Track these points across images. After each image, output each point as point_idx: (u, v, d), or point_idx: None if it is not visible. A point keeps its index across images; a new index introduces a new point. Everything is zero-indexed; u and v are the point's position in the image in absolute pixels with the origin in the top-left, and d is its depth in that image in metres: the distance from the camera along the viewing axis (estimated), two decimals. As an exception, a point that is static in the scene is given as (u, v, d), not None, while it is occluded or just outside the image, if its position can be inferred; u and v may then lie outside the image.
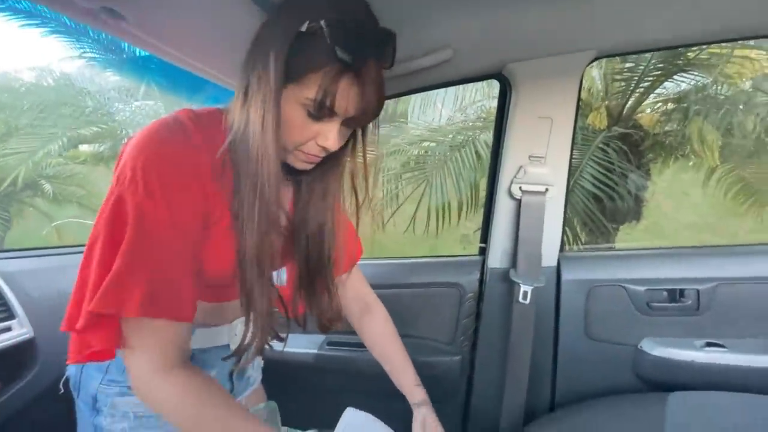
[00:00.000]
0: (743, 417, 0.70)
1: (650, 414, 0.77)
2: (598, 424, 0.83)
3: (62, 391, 0.68)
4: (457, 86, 3.59)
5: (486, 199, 1.04)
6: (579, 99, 0.92)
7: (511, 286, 0.96)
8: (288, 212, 0.69)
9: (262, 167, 0.53)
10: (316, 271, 0.70)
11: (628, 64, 3.33)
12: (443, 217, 3.25)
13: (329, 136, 0.56)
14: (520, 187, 0.92)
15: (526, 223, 0.93)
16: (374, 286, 1.10)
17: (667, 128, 3.65)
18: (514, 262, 0.95)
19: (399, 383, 0.87)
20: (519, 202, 0.94)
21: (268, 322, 0.59)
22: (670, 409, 0.76)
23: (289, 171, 0.63)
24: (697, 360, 0.88)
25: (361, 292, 0.90)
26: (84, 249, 0.53)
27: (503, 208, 0.97)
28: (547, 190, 0.91)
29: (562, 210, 0.97)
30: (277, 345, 0.82)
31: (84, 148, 5.66)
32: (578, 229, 3.17)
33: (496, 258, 1.00)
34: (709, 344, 0.89)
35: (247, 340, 0.60)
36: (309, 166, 0.61)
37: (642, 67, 3.27)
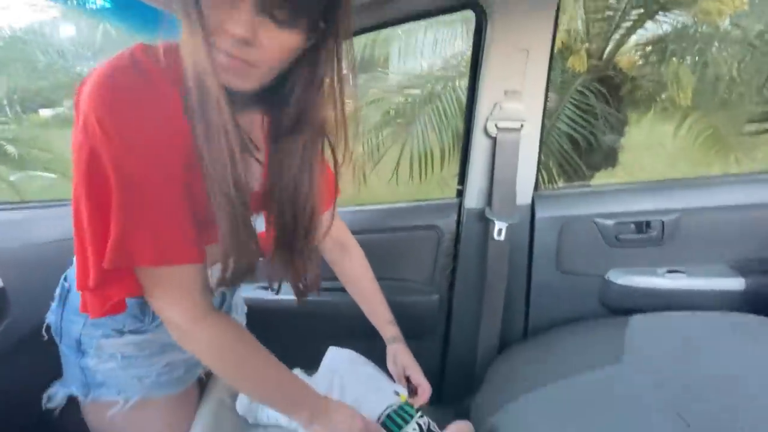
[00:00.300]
0: (694, 331, 0.76)
1: (612, 336, 0.83)
2: (565, 348, 0.89)
3: (45, 338, 0.68)
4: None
5: (463, 139, 1.03)
6: (555, 30, 0.89)
7: (486, 225, 0.98)
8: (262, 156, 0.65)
9: (204, 82, 0.48)
10: (291, 234, 0.66)
11: (610, 0, 3.23)
12: (426, 165, 3.23)
13: (235, 16, 0.46)
14: (495, 124, 0.91)
15: (502, 162, 0.93)
16: (353, 233, 1.11)
17: (646, 71, 3.64)
18: (489, 200, 0.96)
19: (373, 320, 0.90)
20: (494, 140, 0.93)
21: (243, 255, 0.57)
22: (629, 330, 0.82)
23: (252, 101, 0.59)
24: (659, 286, 0.94)
25: (338, 234, 0.90)
26: (43, 203, 0.51)
27: (479, 147, 0.96)
28: (522, 126, 0.90)
29: (537, 147, 0.97)
30: (267, 293, 0.82)
31: (45, 112, 5.32)
32: (555, 173, 3.21)
33: (473, 198, 1.01)
34: (670, 271, 0.95)
35: (222, 273, 0.58)
36: (239, 81, 0.51)
37: (624, 4, 3.19)
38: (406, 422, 0.76)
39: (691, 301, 0.87)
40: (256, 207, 0.71)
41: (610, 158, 3.57)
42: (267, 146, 0.65)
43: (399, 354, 0.87)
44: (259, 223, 0.70)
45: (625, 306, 0.93)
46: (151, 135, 0.50)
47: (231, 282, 0.58)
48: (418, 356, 0.96)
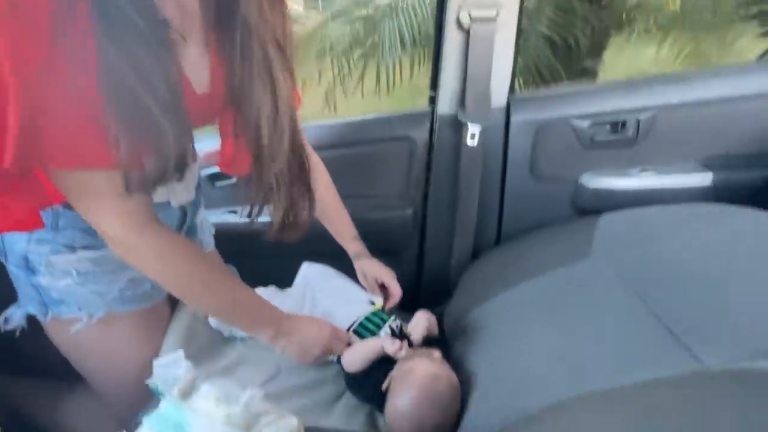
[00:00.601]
0: (659, 223, 0.77)
1: (581, 234, 0.84)
2: (536, 250, 0.91)
3: None
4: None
5: (435, 37, 0.94)
6: None
7: (459, 132, 0.94)
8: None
9: None
10: (259, 149, 0.58)
11: None
12: (396, 76, 3.05)
13: None
14: (469, 13, 0.82)
15: (476, 59, 0.86)
16: (322, 148, 1.05)
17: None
18: (462, 103, 0.91)
19: (338, 239, 0.88)
20: (468, 34, 0.85)
21: (166, 150, 0.49)
22: (598, 227, 0.83)
23: None
24: (631, 187, 0.94)
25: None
26: None
27: (452, 44, 0.88)
28: (498, 14, 0.82)
29: (513, 43, 0.90)
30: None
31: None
32: (532, 80, 3.08)
33: (446, 103, 0.95)
34: (643, 171, 0.95)
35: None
36: None
37: None
38: (380, 327, 0.78)
39: (660, 199, 0.88)
40: (206, 112, 0.65)
41: (589, 72, 3.43)
42: (215, 47, 0.57)
43: (366, 267, 0.86)
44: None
45: (597, 208, 0.94)
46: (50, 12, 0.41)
47: (153, 182, 0.51)
48: (395, 271, 0.97)
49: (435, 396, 0.61)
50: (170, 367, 0.35)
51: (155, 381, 0.34)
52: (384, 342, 0.69)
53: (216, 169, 1.12)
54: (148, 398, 0.66)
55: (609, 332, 0.61)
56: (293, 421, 0.34)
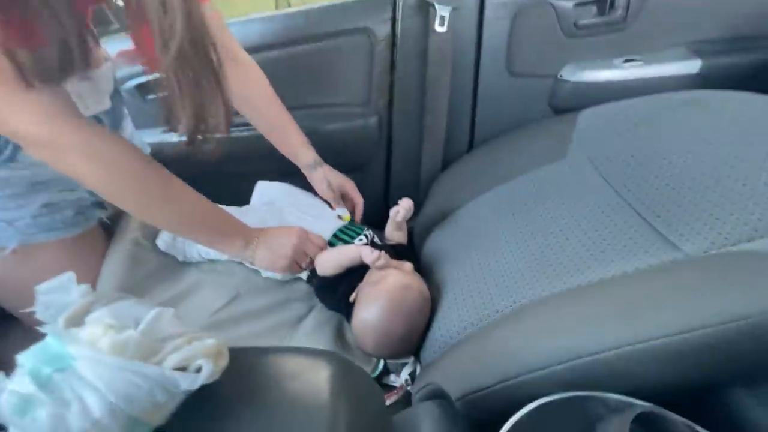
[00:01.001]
0: (643, 113, 0.70)
1: (560, 132, 0.77)
2: (511, 152, 0.84)
3: None
4: None
5: None
6: None
7: (426, 19, 0.81)
8: None
9: None
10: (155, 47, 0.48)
11: None
12: None
13: None
14: None
15: None
16: (264, 48, 0.90)
17: None
18: (429, -21, 0.76)
19: (285, 149, 0.78)
20: None
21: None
22: (578, 123, 0.76)
23: None
24: (614, 78, 0.85)
25: (224, 42, 0.68)
26: None
27: None
28: None
29: None
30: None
31: None
32: None
33: (409, -17, 0.80)
34: (627, 60, 0.85)
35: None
36: None
37: None
38: (353, 240, 0.72)
39: (646, 91, 0.80)
40: None
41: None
42: None
43: (329, 176, 0.78)
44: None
45: (578, 105, 0.85)
46: None
47: (54, 70, 0.45)
48: (360, 188, 0.90)
49: (404, 306, 0.57)
50: (58, 292, 0.28)
51: (38, 309, 0.27)
52: (362, 250, 0.64)
53: (146, 78, 0.96)
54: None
55: (586, 229, 0.57)
56: (209, 342, 0.28)
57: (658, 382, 0.35)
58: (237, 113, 0.79)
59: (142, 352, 0.24)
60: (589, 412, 0.35)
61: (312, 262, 0.67)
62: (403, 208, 0.73)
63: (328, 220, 0.77)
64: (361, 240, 0.72)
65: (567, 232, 0.59)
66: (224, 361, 0.30)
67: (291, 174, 0.82)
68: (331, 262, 0.66)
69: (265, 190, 0.86)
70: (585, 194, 0.64)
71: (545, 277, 0.53)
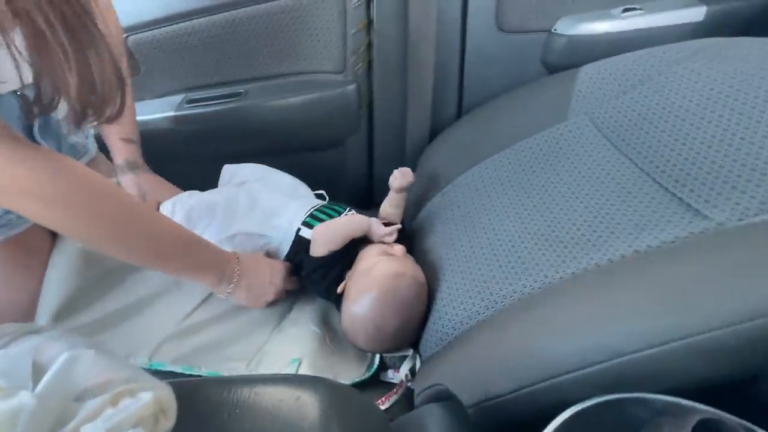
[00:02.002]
0: (648, 67, 0.63)
1: (559, 92, 0.70)
2: (503, 118, 0.76)
3: None
4: None
5: None
6: None
7: (406, -33, 0.71)
8: None
9: None
10: None
11: None
12: None
13: None
14: None
15: None
16: (214, 9, 0.79)
17: None
18: None
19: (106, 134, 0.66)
20: None
21: None
22: (578, 82, 0.69)
23: None
24: (613, 30, 0.78)
25: None
26: None
27: None
28: None
29: None
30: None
31: None
32: None
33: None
34: (626, 10, 0.78)
35: None
36: None
37: None
38: (339, 214, 0.65)
39: (648, 42, 0.73)
40: None
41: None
42: None
43: (144, 185, 0.67)
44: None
45: (574, 63, 0.78)
46: None
47: None
48: (342, 166, 0.81)
49: (398, 296, 0.51)
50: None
51: None
52: (372, 221, 0.58)
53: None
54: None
55: (597, 199, 0.51)
56: (144, 399, 0.21)
57: (704, 378, 0.31)
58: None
59: (41, 424, 0.17)
60: (631, 417, 0.29)
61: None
62: (399, 172, 0.68)
63: (304, 199, 0.69)
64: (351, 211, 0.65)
65: (575, 203, 0.53)
66: (169, 423, 0.22)
67: (265, 154, 0.73)
68: (336, 235, 0.58)
69: (233, 174, 0.77)
70: (591, 161, 0.58)
71: (556, 257, 0.47)
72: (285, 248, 0.63)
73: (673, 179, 0.48)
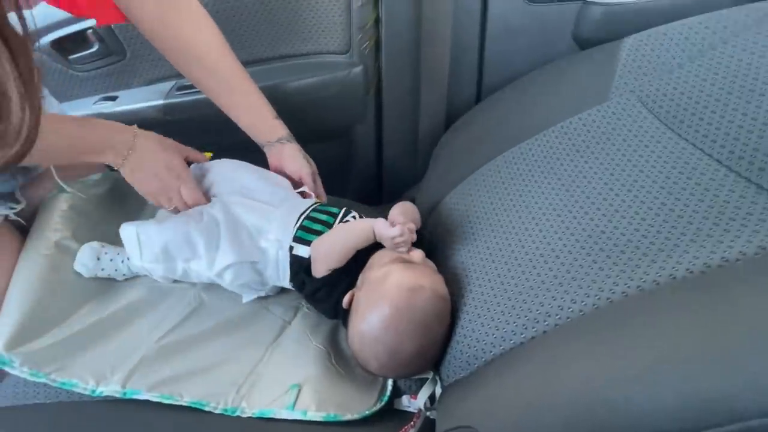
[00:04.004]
0: (703, 37, 0.54)
1: (598, 67, 0.60)
2: (532, 100, 0.67)
3: None
4: None
5: None
6: None
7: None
8: None
9: None
10: None
11: None
12: None
13: None
14: None
15: None
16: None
17: None
18: None
19: (247, 121, 0.61)
20: None
21: None
22: (621, 56, 0.59)
23: None
24: (658, -3, 0.68)
25: None
26: None
27: None
28: None
29: None
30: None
31: None
32: None
33: None
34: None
35: None
36: None
37: None
38: (331, 225, 0.56)
39: (696, 8, 0.63)
40: None
41: None
42: None
43: (296, 155, 0.62)
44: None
45: (611, 36, 0.68)
46: None
47: None
48: (348, 157, 0.73)
49: (415, 315, 0.42)
50: None
51: None
52: (376, 223, 0.48)
53: (67, 30, 0.77)
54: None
55: (658, 194, 0.42)
56: None
57: None
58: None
59: None
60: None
61: (181, 200, 0.56)
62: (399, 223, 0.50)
63: (288, 204, 0.57)
64: (352, 215, 0.56)
65: (628, 199, 0.44)
66: None
67: (243, 149, 0.64)
68: (335, 252, 0.49)
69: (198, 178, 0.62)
70: (643, 147, 0.48)
71: (612, 265, 0.38)
72: (283, 272, 0.53)
73: (757, 167, 0.39)
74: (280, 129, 0.61)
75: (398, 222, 0.48)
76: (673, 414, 0.23)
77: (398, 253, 0.47)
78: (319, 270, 0.49)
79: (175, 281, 0.56)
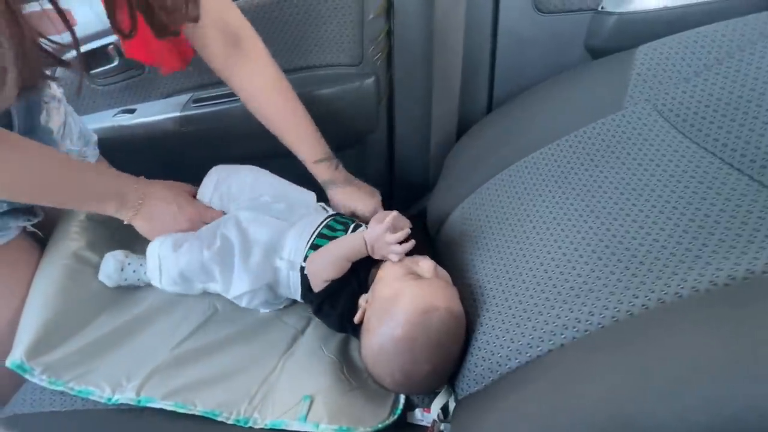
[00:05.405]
0: (719, 45, 0.53)
1: (613, 76, 0.60)
2: (545, 108, 0.67)
3: None
4: None
5: None
6: None
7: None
8: None
9: None
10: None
11: None
12: None
13: None
14: None
15: None
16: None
17: None
18: None
19: (301, 155, 0.64)
20: None
21: None
22: (635, 64, 0.59)
23: None
24: (672, 4, 0.68)
25: (224, 15, 0.57)
26: None
27: None
28: None
29: None
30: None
31: None
32: None
33: None
34: (687, -19, 0.67)
35: None
36: None
37: None
38: (346, 229, 0.56)
39: (713, 17, 0.62)
40: None
41: None
42: None
43: (344, 197, 0.64)
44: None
45: (623, 45, 0.68)
46: None
47: None
48: (359, 168, 0.73)
49: (429, 337, 0.41)
50: None
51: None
52: (365, 233, 0.48)
53: (89, 47, 0.79)
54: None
55: (677, 204, 0.41)
56: None
57: None
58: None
59: None
60: None
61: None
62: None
63: (305, 221, 0.57)
64: (360, 229, 0.56)
65: (645, 208, 0.43)
66: None
67: (275, 155, 0.65)
68: (328, 263, 0.49)
69: (220, 180, 0.62)
70: (660, 156, 0.47)
71: (631, 276, 0.37)
72: (295, 289, 0.54)
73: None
74: (324, 172, 0.63)
75: (379, 221, 0.48)
76: (700, 431, 0.22)
77: (394, 255, 0.46)
78: (316, 284, 0.49)
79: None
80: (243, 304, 0.54)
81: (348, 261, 0.49)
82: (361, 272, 0.50)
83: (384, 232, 0.47)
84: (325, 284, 0.49)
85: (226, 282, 0.52)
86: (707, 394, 0.23)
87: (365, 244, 0.48)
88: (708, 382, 0.24)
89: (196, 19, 0.50)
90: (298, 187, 0.63)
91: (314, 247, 0.53)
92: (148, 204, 0.53)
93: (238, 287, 0.51)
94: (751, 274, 0.31)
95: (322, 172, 0.63)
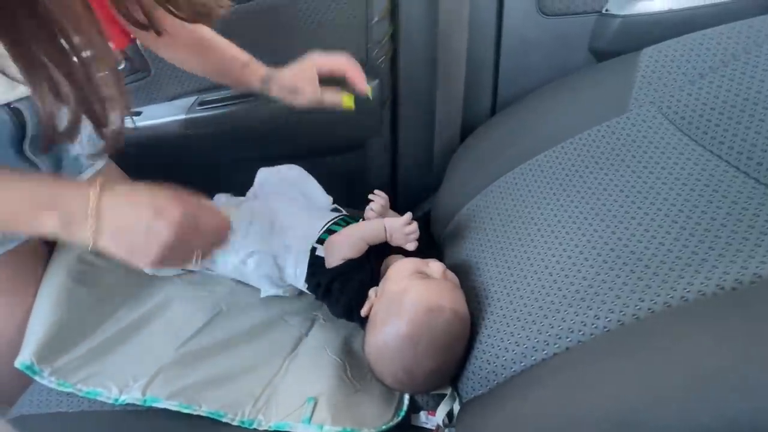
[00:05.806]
0: (725, 48, 0.53)
1: (617, 78, 0.60)
2: (549, 111, 0.67)
3: None
4: None
5: None
6: None
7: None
8: None
9: None
10: None
11: None
12: None
13: None
14: None
15: None
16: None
17: None
18: None
19: (232, 76, 0.65)
20: None
21: None
22: (640, 67, 0.58)
23: None
24: (676, 6, 0.67)
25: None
26: None
27: None
28: None
29: None
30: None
31: None
32: None
33: None
34: (692, -16, 0.67)
35: None
36: None
37: None
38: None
39: (718, 19, 0.62)
40: None
41: None
42: None
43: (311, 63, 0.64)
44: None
45: (627, 47, 0.68)
46: None
47: None
48: (362, 170, 0.74)
49: (433, 336, 0.42)
50: None
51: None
52: (386, 220, 0.53)
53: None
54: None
55: (683, 207, 0.41)
56: None
57: None
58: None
59: None
60: None
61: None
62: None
63: (321, 213, 0.61)
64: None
65: (651, 211, 0.43)
66: None
67: (280, 157, 0.66)
68: (350, 241, 0.52)
69: (264, 178, 0.68)
70: (665, 158, 0.47)
71: (637, 279, 0.37)
72: (301, 271, 0.55)
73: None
74: (262, 68, 0.65)
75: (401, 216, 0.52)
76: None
77: (411, 244, 0.50)
78: (332, 260, 0.52)
79: (195, 289, 0.58)
80: (249, 269, 0.55)
81: (366, 243, 0.52)
82: (375, 263, 0.53)
83: (404, 224, 0.51)
84: (341, 262, 0.51)
85: (242, 238, 0.55)
86: (715, 398, 0.23)
87: (385, 230, 0.52)
88: (715, 387, 0.24)
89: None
90: (323, 192, 0.66)
91: (329, 232, 0.56)
92: (109, 215, 0.37)
93: (248, 245, 0.55)
94: (759, 278, 0.31)
95: (259, 68, 0.65)
